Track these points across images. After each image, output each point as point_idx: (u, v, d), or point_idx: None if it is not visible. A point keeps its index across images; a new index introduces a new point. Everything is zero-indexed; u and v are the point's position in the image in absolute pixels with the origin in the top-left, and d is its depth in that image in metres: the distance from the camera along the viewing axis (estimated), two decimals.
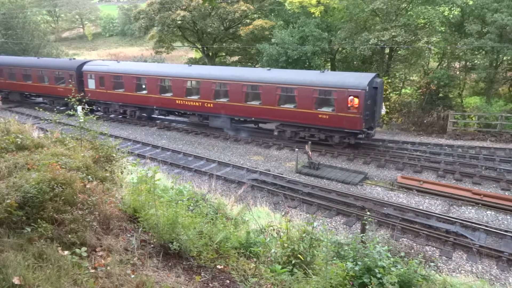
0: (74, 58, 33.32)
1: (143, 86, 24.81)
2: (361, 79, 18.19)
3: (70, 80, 26.57)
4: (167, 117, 26.60)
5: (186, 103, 23.16)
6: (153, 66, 28.20)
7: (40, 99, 31.76)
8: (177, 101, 23.41)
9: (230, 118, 22.04)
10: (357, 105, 17.74)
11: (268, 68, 23.04)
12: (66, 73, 27.71)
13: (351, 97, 17.80)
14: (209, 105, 22.22)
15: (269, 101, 20.16)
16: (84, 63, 27.82)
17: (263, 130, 22.98)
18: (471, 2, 23.07)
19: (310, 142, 17.59)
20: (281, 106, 20.05)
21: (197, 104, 22.71)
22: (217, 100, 21.95)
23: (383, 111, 20.78)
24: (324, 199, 13.47)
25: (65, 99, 8.84)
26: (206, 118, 23.24)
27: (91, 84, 26.45)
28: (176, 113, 25.19)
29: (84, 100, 7.94)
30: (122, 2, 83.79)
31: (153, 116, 26.74)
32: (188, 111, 23.76)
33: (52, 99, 29.40)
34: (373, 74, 18.91)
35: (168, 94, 23.88)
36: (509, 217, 12.18)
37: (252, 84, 20.87)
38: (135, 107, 25.69)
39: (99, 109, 27.30)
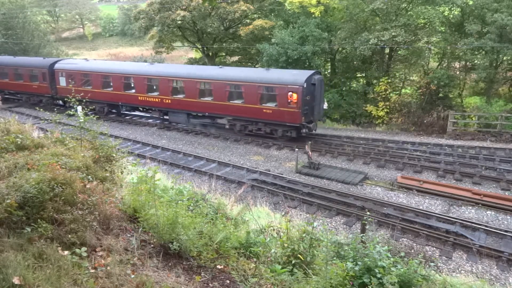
0: (46, 57, 33.94)
1: (110, 84, 25.98)
2: (299, 76, 19.52)
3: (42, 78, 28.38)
4: (132, 113, 27.86)
5: (147, 99, 24.48)
6: (118, 64, 29.45)
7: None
8: (139, 98, 24.73)
9: (186, 113, 23.31)
10: (296, 100, 19.03)
11: (220, 66, 25.08)
12: (39, 71, 28.93)
13: (290, 93, 19.07)
14: (167, 101, 23.57)
15: (220, 97, 21.51)
16: (56, 61, 29.05)
17: (218, 124, 23.78)
18: (471, 2, 23.07)
19: (310, 142, 17.60)
20: (231, 101, 21.37)
21: (157, 100, 24.04)
22: (174, 96, 23.32)
23: (325, 106, 21.91)
24: (324, 199, 13.47)
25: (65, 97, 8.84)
26: (165, 113, 24.57)
27: (62, 81, 27.70)
28: (141, 109, 26.42)
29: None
30: (122, 2, 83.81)
31: (122, 112, 27.77)
32: (149, 107, 25.11)
33: (28, 96, 30.68)
34: (311, 72, 20.20)
35: (132, 91, 25.13)
36: (509, 217, 12.18)
37: (205, 81, 22.16)
38: (103, 104, 26.73)
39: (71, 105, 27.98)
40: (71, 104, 7.81)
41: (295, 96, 19.02)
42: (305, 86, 18.95)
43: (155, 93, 24.19)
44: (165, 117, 24.78)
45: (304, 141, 19.48)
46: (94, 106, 26.62)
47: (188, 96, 22.70)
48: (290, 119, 19.59)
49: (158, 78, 23.79)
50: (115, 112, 27.15)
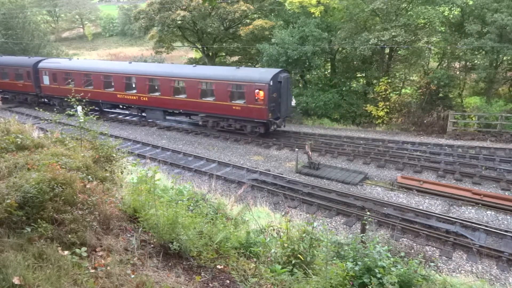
0: (31, 57, 34.42)
1: (91, 82, 26.75)
2: (265, 74, 20.41)
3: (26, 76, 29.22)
4: (113, 110, 28.66)
5: (126, 97, 25.32)
6: (98, 63, 30.31)
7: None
8: (118, 95, 25.64)
9: (163, 110, 24.09)
10: (262, 98, 19.91)
11: (194, 65, 26.29)
12: (24, 70, 29.72)
13: (257, 90, 19.98)
14: (144, 98, 24.41)
15: (193, 94, 22.42)
16: (40, 60, 29.82)
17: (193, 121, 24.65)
18: (471, 2, 23.06)
19: (310, 142, 17.61)
20: (203, 99, 22.26)
21: (135, 98, 24.89)
22: (151, 94, 24.17)
23: (293, 103, 23.35)
24: (324, 199, 13.47)
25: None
26: (143, 110, 25.46)
27: (46, 80, 28.65)
28: (121, 106, 27.17)
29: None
30: (122, 2, 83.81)
31: (104, 110, 28.41)
32: (128, 105, 25.90)
33: (13, 94, 31.61)
34: (278, 70, 21.16)
35: (111, 89, 25.93)
36: (509, 217, 12.18)
37: (179, 80, 23.25)
38: (92, 102, 27.04)
39: (55, 103, 29.12)
40: (70, 104, 7.78)
41: (261, 93, 19.89)
42: (271, 83, 19.72)
43: (133, 91, 24.95)
44: (143, 114, 25.66)
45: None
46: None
47: (164, 94, 23.52)
48: (258, 115, 20.49)
49: (136, 77, 24.65)
50: (98, 110, 27.48)
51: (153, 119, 25.06)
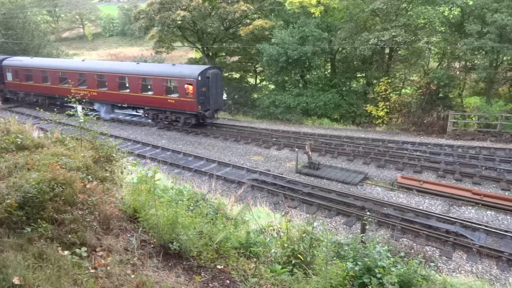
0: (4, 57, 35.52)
1: (48, 78, 28.89)
2: (194, 70, 22.89)
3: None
4: (70, 105, 29.20)
5: (78, 92, 26.03)
6: (54, 61, 32.01)
7: None
8: (72, 91, 26.06)
9: (111, 104, 26.28)
10: (192, 91, 22.23)
11: (137, 62, 29.09)
12: None
13: (187, 85, 22.27)
14: (94, 93, 26.30)
15: (135, 89, 24.62)
16: (4, 58, 31.92)
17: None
18: (471, 2, 23.05)
19: (310, 142, 17.61)
20: (143, 93, 24.47)
21: (86, 92, 26.56)
22: (99, 89, 26.24)
23: (224, 97, 26.32)
24: (324, 199, 13.47)
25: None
26: (92, 104, 27.00)
27: (9, 76, 31.13)
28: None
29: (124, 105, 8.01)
30: (122, 2, 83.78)
31: (65, 105, 29.56)
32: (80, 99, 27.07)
33: None
34: (207, 66, 23.92)
35: (66, 85, 27.42)
36: (509, 217, 12.18)
37: (123, 76, 25.31)
38: (44, 97, 29.60)
39: (18, 98, 31.36)
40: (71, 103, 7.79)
41: (191, 87, 22.22)
42: (199, 79, 22.03)
43: (85, 86, 26.76)
44: (94, 107, 27.21)
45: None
46: (37, 99, 30.11)
47: (110, 89, 25.62)
48: (189, 107, 22.83)
49: (86, 73, 26.73)
50: (58, 105, 28.71)
51: (102, 112, 26.90)
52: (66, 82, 27.57)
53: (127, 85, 25.13)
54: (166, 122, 24.60)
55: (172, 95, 23.47)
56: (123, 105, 26.00)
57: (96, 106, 26.83)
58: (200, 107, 22.55)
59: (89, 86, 26.37)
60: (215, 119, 24.78)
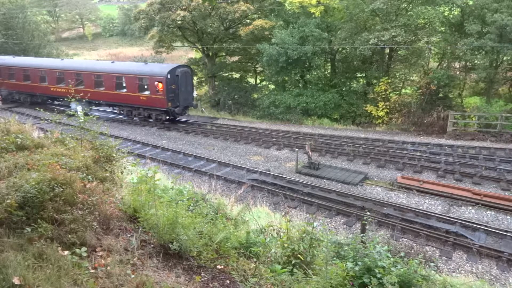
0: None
1: (29, 77, 29.97)
2: (163, 68, 24.04)
3: None
4: (53, 102, 31.32)
5: (57, 90, 28.50)
6: (34, 60, 32.95)
7: None
8: (51, 89, 28.99)
9: (88, 102, 26.40)
10: (162, 89, 23.32)
11: (113, 61, 30.40)
12: None
13: (157, 82, 23.41)
14: (72, 91, 26.36)
15: (110, 87, 25.64)
16: None
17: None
18: (471, 2, 23.06)
19: (310, 142, 17.61)
20: (118, 91, 25.48)
21: (64, 90, 27.49)
22: (77, 87, 26.78)
23: (195, 94, 27.53)
24: (324, 199, 13.46)
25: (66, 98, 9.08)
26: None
27: None
28: (59, 99, 29.86)
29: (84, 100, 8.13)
30: (122, 2, 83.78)
31: (47, 102, 31.13)
32: (59, 97, 28.89)
33: None
34: (176, 65, 24.87)
35: (45, 83, 29.17)
36: (509, 217, 12.17)
37: (99, 74, 26.33)
38: (26, 94, 30.94)
39: (1, 96, 32.28)
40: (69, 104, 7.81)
41: (160, 85, 23.31)
42: (168, 77, 23.13)
43: (63, 85, 27.87)
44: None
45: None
46: (19, 97, 31.23)
47: (87, 87, 26.24)
48: (159, 104, 23.99)
49: (65, 72, 27.91)
50: (39, 102, 30.01)
51: (80, 108, 27.51)
52: (45, 80, 29.03)
53: (103, 83, 26.06)
54: (141, 118, 25.94)
55: (144, 93, 24.65)
56: (100, 103, 26.78)
57: (73, 104, 27.55)
58: (170, 104, 23.66)
59: (67, 84, 27.34)
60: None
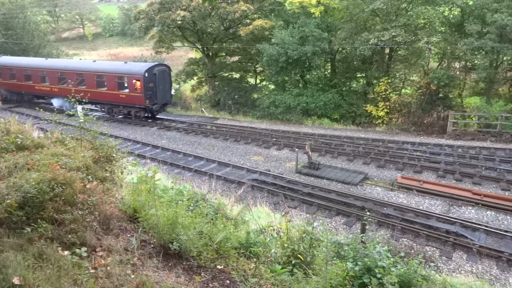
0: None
1: (15, 76, 31.07)
2: (141, 67, 24.95)
3: None
4: (40, 100, 31.94)
5: (41, 88, 29.60)
6: (20, 59, 33.54)
7: None
8: (35, 87, 29.97)
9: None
10: (139, 87, 24.25)
11: (94, 60, 31.66)
12: None
13: (135, 81, 24.27)
14: (55, 89, 28.40)
15: (92, 85, 26.33)
16: None
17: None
18: (471, 2, 23.06)
19: (310, 142, 17.60)
20: (99, 89, 26.19)
21: (48, 89, 29.07)
22: (59, 85, 28.13)
23: (173, 92, 28.20)
24: (324, 199, 13.46)
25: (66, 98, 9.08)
26: (52, 98, 29.27)
27: None
28: (45, 97, 30.61)
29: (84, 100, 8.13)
30: (122, 2, 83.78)
31: (33, 101, 31.90)
32: (43, 95, 30.09)
33: None
34: (153, 64, 25.98)
35: (30, 82, 30.00)
36: (509, 217, 12.17)
37: (81, 73, 27.25)
38: (13, 93, 32.01)
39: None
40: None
41: (138, 83, 24.19)
42: (146, 75, 24.00)
43: (47, 83, 28.92)
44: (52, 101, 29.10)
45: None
46: (6, 95, 31.94)
47: (69, 85, 26.90)
48: (138, 102, 24.89)
49: (48, 71, 28.74)
50: (25, 100, 31.39)
51: (61, 106, 27.91)
52: (31, 79, 29.78)
53: (85, 81, 26.80)
54: (121, 116, 26.95)
55: (124, 91, 25.44)
56: (83, 101, 27.37)
57: (56, 102, 28.57)
58: (148, 101, 24.55)
59: (51, 83, 28.47)
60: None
